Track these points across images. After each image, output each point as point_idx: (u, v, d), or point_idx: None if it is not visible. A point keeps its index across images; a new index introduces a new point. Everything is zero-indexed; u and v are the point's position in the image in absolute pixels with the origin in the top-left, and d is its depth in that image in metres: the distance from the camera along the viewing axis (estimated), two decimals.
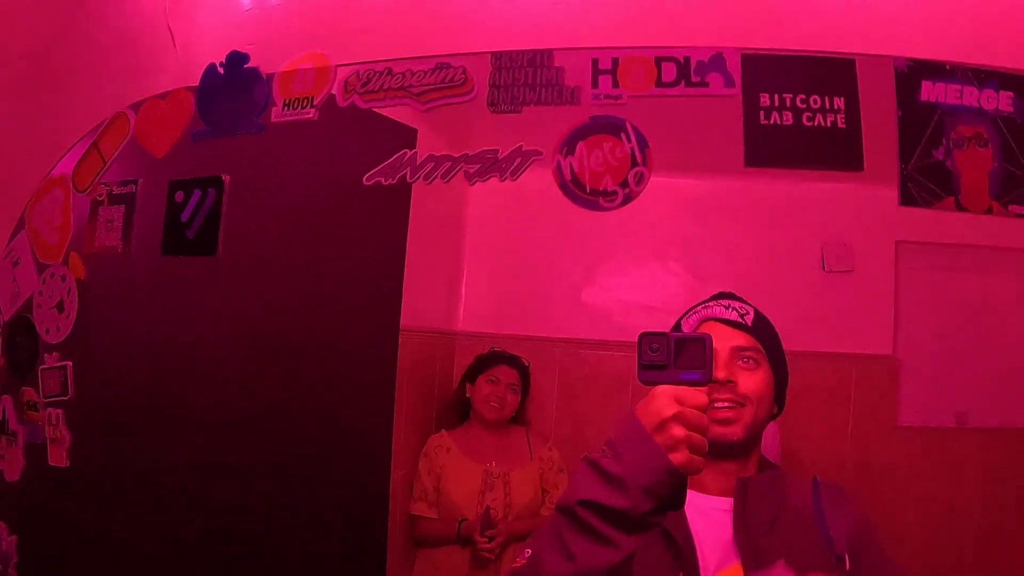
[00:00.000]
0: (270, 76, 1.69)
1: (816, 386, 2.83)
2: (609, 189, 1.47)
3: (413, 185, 1.91)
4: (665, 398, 0.90)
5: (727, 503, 1.15)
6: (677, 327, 1.28)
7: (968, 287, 3.10)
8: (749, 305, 1.29)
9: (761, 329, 1.26)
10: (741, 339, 1.22)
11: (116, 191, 1.82)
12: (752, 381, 1.18)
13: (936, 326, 3.13)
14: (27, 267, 1.95)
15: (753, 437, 1.19)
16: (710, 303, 1.29)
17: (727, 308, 1.27)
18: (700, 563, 1.12)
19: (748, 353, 1.20)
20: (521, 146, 1.50)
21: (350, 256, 1.96)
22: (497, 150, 1.51)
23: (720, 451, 1.12)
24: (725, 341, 1.20)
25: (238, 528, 1.79)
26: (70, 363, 1.88)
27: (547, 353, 3.26)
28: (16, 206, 1.97)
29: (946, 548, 2.75)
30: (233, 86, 1.71)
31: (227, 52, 1.73)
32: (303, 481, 1.84)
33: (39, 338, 1.92)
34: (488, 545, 2.47)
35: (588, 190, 1.48)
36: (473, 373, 2.84)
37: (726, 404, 1.16)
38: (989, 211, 1.41)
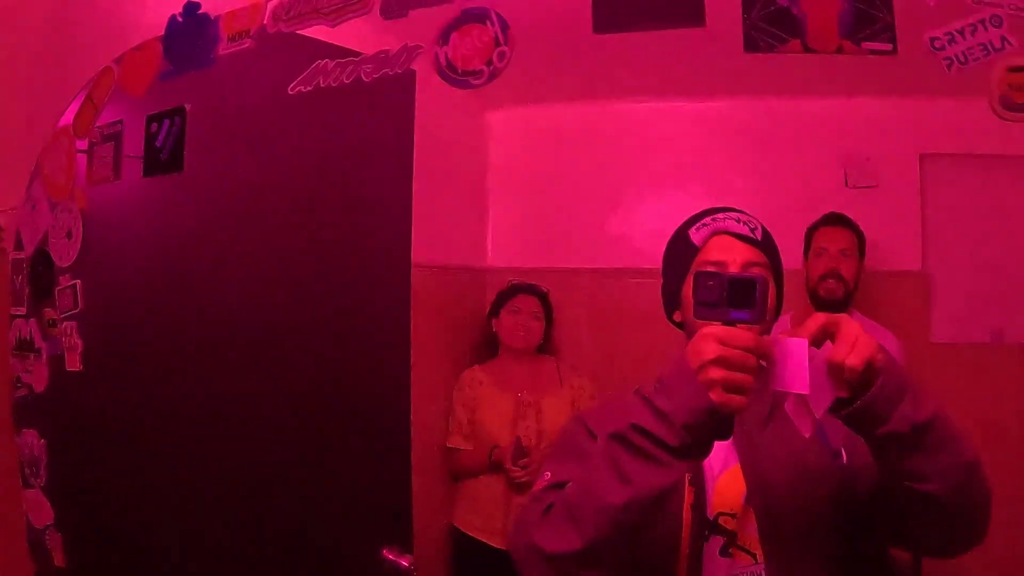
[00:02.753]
0: (218, 17, 2.02)
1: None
2: (476, 68, 1.71)
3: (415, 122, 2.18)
4: (710, 339, 0.93)
5: None
6: (684, 234, 1.32)
7: (1002, 199, 2.98)
8: (756, 220, 1.32)
9: (768, 244, 1.29)
10: (751, 254, 1.25)
11: (107, 132, 2.19)
12: None
13: (968, 240, 3.04)
14: (42, 208, 2.31)
15: None
16: (718, 215, 1.31)
17: (738, 222, 1.28)
18: (705, 469, 1.18)
19: (757, 268, 1.23)
20: (407, 44, 1.76)
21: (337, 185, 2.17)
22: (388, 50, 1.77)
23: None
24: (737, 255, 1.24)
25: (251, 441, 2.02)
26: (79, 281, 2.23)
27: (573, 283, 3.31)
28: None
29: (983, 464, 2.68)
30: (189, 30, 2.05)
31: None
32: (320, 411, 2.04)
33: (55, 265, 2.29)
34: (521, 473, 2.57)
35: (459, 71, 1.72)
36: (495, 308, 2.97)
37: None
38: (840, 50, 1.41)
